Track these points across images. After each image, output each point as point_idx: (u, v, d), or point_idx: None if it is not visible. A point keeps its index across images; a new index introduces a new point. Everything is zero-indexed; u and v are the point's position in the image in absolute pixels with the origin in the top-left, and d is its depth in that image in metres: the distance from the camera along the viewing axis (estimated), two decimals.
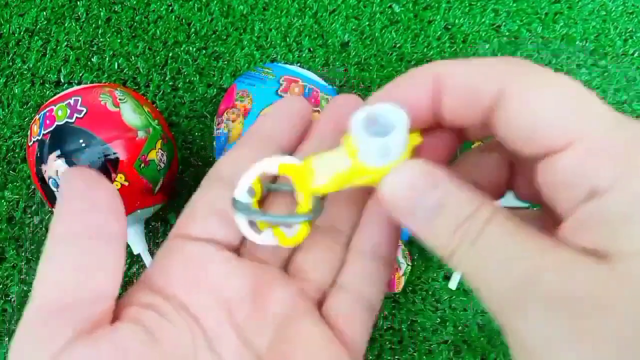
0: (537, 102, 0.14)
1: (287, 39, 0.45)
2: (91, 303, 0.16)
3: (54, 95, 0.36)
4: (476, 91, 0.16)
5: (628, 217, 0.13)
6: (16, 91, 0.44)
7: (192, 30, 0.45)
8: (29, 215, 0.41)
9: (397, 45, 0.45)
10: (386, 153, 0.16)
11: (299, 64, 0.44)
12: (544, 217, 0.18)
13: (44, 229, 0.40)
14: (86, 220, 0.16)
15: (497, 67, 0.15)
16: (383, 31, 0.45)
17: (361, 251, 0.20)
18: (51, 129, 0.33)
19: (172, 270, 0.18)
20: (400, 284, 0.36)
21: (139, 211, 0.35)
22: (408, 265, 0.36)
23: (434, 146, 0.19)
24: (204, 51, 0.45)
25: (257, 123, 0.22)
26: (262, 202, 0.21)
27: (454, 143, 0.19)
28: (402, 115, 0.16)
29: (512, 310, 0.14)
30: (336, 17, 0.45)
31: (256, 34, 0.45)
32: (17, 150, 0.42)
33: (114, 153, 0.33)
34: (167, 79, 0.44)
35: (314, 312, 0.20)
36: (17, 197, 0.41)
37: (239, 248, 0.20)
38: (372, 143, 0.16)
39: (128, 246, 0.38)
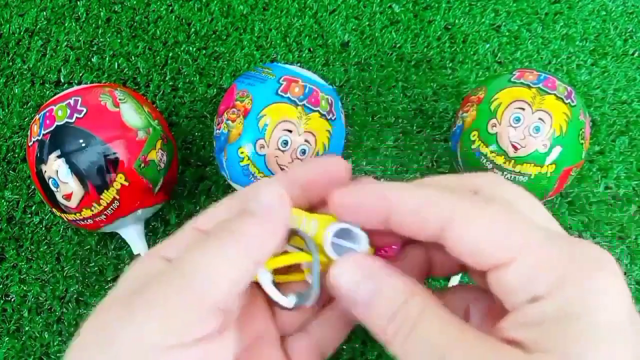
0: (476, 232, 0.18)
1: (287, 39, 0.45)
2: None
3: (54, 95, 0.36)
4: (420, 221, 0.19)
5: (555, 321, 0.16)
6: (16, 91, 0.44)
7: (192, 30, 0.45)
8: (29, 215, 0.41)
9: (397, 45, 0.45)
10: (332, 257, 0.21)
11: (299, 64, 0.44)
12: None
13: (44, 229, 0.40)
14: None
15: (442, 200, 0.19)
16: (383, 31, 0.45)
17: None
18: (51, 129, 0.33)
19: None
20: None
21: (139, 211, 0.35)
22: None
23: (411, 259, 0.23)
24: (204, 51, 0.45)
25: (298, 168, 0.22)
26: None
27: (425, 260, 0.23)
28: (363, 236, 0.21)
29: None
30: (336, 17, 0.45)
31: (256, 34, 0.45)
32: (17, 150, 0.42)
33: (114, 153, 0.33)
34: (167, 79, 0.44)
35: (277, 341, 0.23)
36: (17, 197, 0.41)
37: None
38: (330, 251, 0.20)
39: (128, 248, 0.38)
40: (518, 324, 0.17)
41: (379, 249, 0.23)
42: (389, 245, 0.22)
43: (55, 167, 0.33)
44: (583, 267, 0.17)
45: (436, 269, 0.23)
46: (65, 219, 0.35)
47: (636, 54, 0.44)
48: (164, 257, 0.20)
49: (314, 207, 0.23)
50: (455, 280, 0.37)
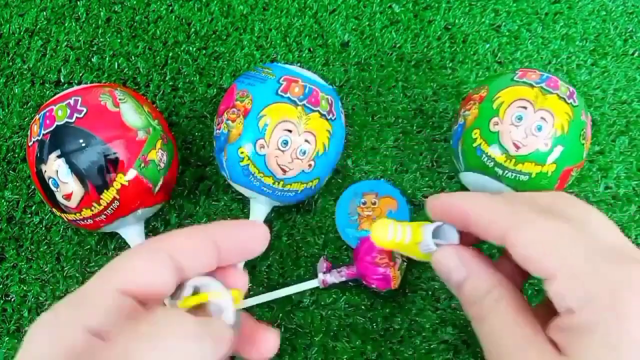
0: (527, 247, 0.21)
1: (287, 39, 0.45)
2: None
3: (54, 95, 0.36)
4: (488, 229, 0.23)
5: (579, 333, 0.19)
6: (16, 91, 0.44)
7: (192, 30, 0.45)
8: (29, 215, 0.41)
9: (397, 45, 0.45)
10: (430, 249, 0.26)
11: (299, 64, 0.44)
12: None
13: (44, 229, 0.40)
14: None
15: (502, 213, 0.23)
16: (383, 31, 0.45)
17: None
18: (51, 129, 0.33)
19: None
20: (397, 280, 0.35)
21: (139, 211, 0.35)
22: (404, 261, 0.36)
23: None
24: (204, 51, 0.45)
25: (221, 227, 0.22)
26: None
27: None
28: (455, 234, 0.26)
29: None
30: (336, 17, 0.45)
31: (256, 34, 0.45)
32: (17, 150, 0.42)
33: (114, 153, 0.33)
34: (167, 79, 0.44)
35: None
36: (17, 197, 0.41)
37: None
38: (430, 243, 0.26)
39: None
40: (557, 328, 0.20)
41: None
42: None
43: (55, 167, 0.33)
44: (612, 289, 0.19)
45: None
46: (65, 219, 0.35)
47: (636, 54, 0.44)
48: (89, 329, 0.17)
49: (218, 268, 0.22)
50: None
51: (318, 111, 0.34)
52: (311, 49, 0.44)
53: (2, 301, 0.39)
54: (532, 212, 0.22)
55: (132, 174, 0.33)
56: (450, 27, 0.45)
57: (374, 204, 0.39)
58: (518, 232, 0.21)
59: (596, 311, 0.19)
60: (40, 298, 0.39)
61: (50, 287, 0.39)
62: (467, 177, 0.37)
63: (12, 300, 0.39)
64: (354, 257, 0.37)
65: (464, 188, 0.40)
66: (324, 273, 0.37)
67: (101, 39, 0.45)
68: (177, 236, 0.21)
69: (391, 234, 0.26)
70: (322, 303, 0.38)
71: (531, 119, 0.33)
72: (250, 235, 0.23)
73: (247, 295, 0.37)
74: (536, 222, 0.21)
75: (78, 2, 0.46)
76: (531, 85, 0.34)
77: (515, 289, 0.23)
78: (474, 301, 0.23)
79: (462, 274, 0.24)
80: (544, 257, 0.21)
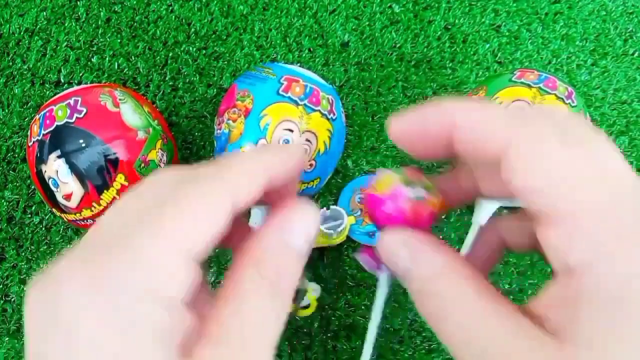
0: (536, 168, 0.15)
1: (287, 39, 0.45)
2: None
3: (54, 95, 0.36)
4: (484, 140, 0.16)
5: (584, 306, 0.14)
6: (16, 91, 0.44)
7: (192, 30, 0.45)
8: (29, 215, 0.41)
9: (397, 45, 0.45)
10: (332, 234, 0.35)
11: (299, 64, 0.44)
12: None
13: (44, 229, 0.40)
14: None
15: (507, 120, 0.16)
16: (383, 31, 0.45)
17: None
18: (51, 129, 0.33)
19: None
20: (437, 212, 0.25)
21: None
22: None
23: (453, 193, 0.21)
24: (204, 51, 0.45)
25: (270, 156, 0.19)
26: None
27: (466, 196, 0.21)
28: (344, 215, 0.36)
29: None
30: (336, 17, 0.45)
31: (256, 34, 0.45)
32: (17, 150, 0.42)
33: (114, 153, 0.33)
34: (167, 79, 0.44)
35: None
36: (17, 197, 0.41)
37: None
38: (326, 229, 0.33)
39: None
40: (549, 299, 0.15)
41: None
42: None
43: (55, 167, 0.33)
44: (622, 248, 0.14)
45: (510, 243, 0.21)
46: (65, 219, 0.35)
47: (636, 54, 0.44)
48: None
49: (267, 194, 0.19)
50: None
51: (319, 111, 0.34)
52: (311, 49, 0.44)
53: (2, 301, 0.39)
54: (543, 127, 0.15)
55: (132, 174, 0.33)
56: (450, 27, 0.45)
57: None
58: (520, 154, 0.15)
59: (603, 273, 0.14)
60: None
61: None
62: None
63: (12, 300, 0.39)
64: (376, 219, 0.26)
65: None
66: (379, 268, 0.24)
67: (101, 39, 0.45)
68: (241, 180, 0.17)
69: None
70: (322, 303, 0.38)
71: None
72: (296, 163, 0.20)
73: None
74: (546, 144, 0.15)
75: (78, 2, 0.46)
76: (529, 86, 0.34)
77: (477, 272, 0.17)
78: (430, 292, 0.17)
79: (406, 254, 0.19)
80: (551, 190, 0.14)
